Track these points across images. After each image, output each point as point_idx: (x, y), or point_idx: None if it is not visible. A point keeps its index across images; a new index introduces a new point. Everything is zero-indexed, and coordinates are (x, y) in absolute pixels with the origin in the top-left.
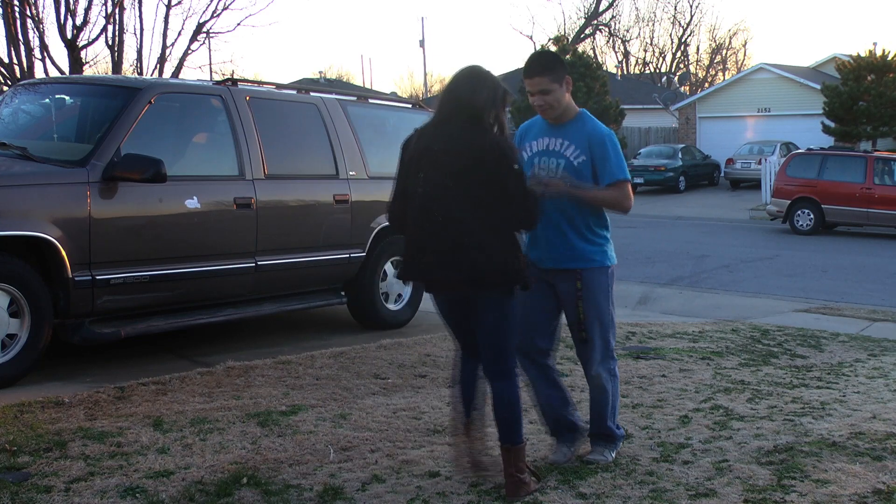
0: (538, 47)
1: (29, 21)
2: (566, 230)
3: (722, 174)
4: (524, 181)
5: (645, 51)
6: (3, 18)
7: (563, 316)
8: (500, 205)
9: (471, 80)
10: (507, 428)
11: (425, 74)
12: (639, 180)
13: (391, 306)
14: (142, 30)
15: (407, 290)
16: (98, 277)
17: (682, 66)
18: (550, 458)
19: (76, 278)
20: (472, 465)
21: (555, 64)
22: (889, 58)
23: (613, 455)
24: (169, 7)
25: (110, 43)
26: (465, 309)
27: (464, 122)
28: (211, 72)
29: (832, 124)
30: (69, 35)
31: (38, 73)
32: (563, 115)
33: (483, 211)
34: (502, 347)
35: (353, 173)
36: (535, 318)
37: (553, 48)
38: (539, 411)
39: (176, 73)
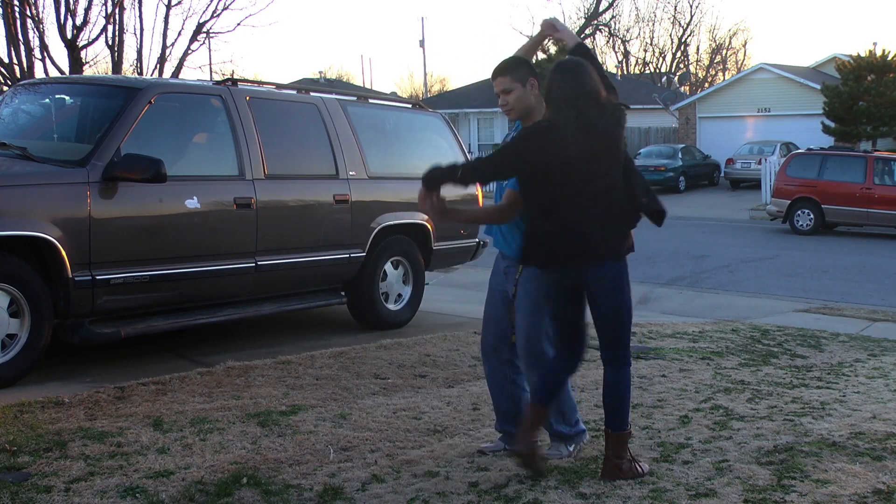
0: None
1: (29, 21)
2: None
3: (722, 174)
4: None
5: (645, 51)
6: (3, 18)
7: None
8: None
9: (573, 72)
10: (612, 414)
11: (425, 74)
12: None
13: (391, 306)
14: (142, 30)
15: (407, 290)
16: (98, 277)
17: (682, 66)
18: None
19: (76, 278)
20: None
21: (517, 65)
22: (889, 58)
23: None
24: (169, 7)
25: (110, 43)
26: (577, 293)
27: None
28: (211, 72)
29: (832, 124)
30: (69, 35)
31: (38, 73)
32: (529, 116)
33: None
34: (622, 330)
35: (353, 173)
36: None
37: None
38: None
39: (176, 73)
